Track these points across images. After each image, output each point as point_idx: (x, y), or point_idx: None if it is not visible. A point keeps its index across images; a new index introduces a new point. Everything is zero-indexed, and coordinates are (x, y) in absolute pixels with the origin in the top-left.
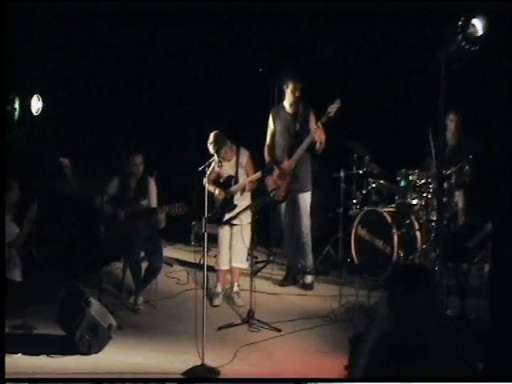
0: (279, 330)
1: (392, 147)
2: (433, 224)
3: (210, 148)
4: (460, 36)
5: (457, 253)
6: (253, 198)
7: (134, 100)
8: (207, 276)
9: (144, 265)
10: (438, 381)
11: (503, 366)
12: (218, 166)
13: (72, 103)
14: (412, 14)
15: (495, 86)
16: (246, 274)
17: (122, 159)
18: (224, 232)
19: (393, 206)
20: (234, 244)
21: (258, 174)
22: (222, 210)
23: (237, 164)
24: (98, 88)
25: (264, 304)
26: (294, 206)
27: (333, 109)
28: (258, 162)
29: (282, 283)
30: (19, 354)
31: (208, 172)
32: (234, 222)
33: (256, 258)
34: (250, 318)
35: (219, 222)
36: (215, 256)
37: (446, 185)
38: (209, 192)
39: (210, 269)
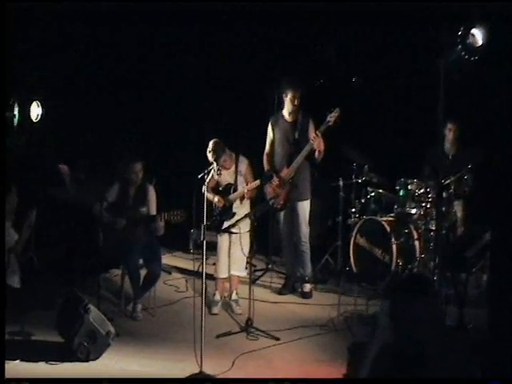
0: (278, 339)
1: (391, 156)
2: (432, 233)
3: (209, 156)
4: (459, 46)
5: (455, 262)
6: (252, 206)
7: (133, 107)
8: (206, 284)
9: (143, 272)
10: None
11: (501, 376)
12: (217, 174)
13: (71, 110)
14: (411, 25)
15: (494, 95)
16: (245, 282)
17: (121, 166)
18: (223, 240)
19: (392, 215)
20: (233, 252)
21: (257, 181)
22: (220, 217)
23: (236, 172)
24: (97, 95)
25: (262, 312)
26: (293, 214)
27: (332, 118)
28: (257, 170)
29: (280, 291)
30: (17, 361)
31: (207, 180)
32: (233, 230)
33: (255, 266)
34: (248, 326)
35: (218, 229)
36: (214, 264)
37: (444, 194)
38: (208, 200)
39: (209, 277)
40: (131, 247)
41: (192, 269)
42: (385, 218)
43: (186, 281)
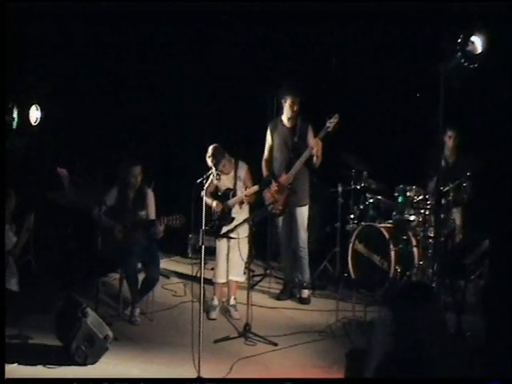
0: (275, 344)
1: (390, 163)
2: (430, 240)
3: (209, 161)
4: (459, 53)
5: (454, 269)
6: (251, 211)
7: (132, 111)
8: (204, 289)
9: (141, 276)
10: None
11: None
12: (217, 179)
13: (70, 113)
14: (411, 32)
15: (494, 103)
16: (243, 287)
17: (120, 170)
18: (221, 245)
19: (390, 221)
20: (232, 257)
21: (256, 187)
22: (219, 222)
23: (235, 177)
24: (96, 98)
25: (261, 318)
26: (292, 219)
27: (331, 123)
28: (256, 176)
29: (278, 297)
30: (15, 364)
31: (206, 185)
32: (232, 235)
33: (253, 271)
34: (246, 332)
35: (217, 234)
36: (212, 269)
37: (443, 201)
38: (207, 205)
39: (207, 281)
40: (130, 251)
41: (190, 273)
42: (383, 225)
43: (185, 285)
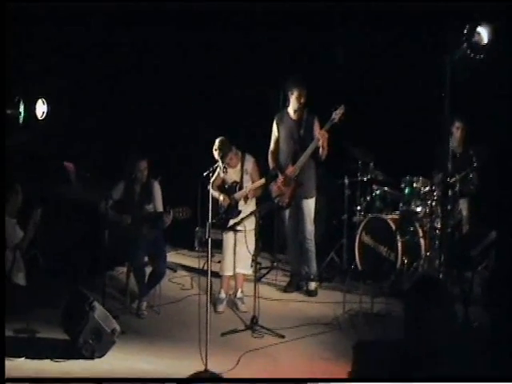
0: (283, 337)
1: (397, 154)
2: (437, 231)
3: (216, 154)
4: (465, 44)
5: (461, 261)
6: (257, 204)
7: (139, 105)
8: (211, 282)
9: (148, 270)
10: (440, 381)
11: (505, 373)
12: (223, 172)
13: (77, 107)
14: (417, 23)
15: (501, 93)
16: (250, 279)
17: (127, 164)
18: (228, 238)
19: (397, 213)
20: (238, 250)
21: (262, 180)
22: (226, 215)
23: (242, 170)
24: (103, 92)
25: (268, 310)
26: (298, 212)
27: (337, 115)
28: (263, 169)
29: (285, 289)
30: (23, 358)
31: (213, 178)
32: (238, 227)
33: (260, 264)
34: (253, 324)
35: (223, 227)
36: (219, 262)
37: (450, 192)
38: (213, 198)
39: (214, 274)
40: (136, 245)
41: (197, 266)
42: (390, 216)
43: (192, 278)
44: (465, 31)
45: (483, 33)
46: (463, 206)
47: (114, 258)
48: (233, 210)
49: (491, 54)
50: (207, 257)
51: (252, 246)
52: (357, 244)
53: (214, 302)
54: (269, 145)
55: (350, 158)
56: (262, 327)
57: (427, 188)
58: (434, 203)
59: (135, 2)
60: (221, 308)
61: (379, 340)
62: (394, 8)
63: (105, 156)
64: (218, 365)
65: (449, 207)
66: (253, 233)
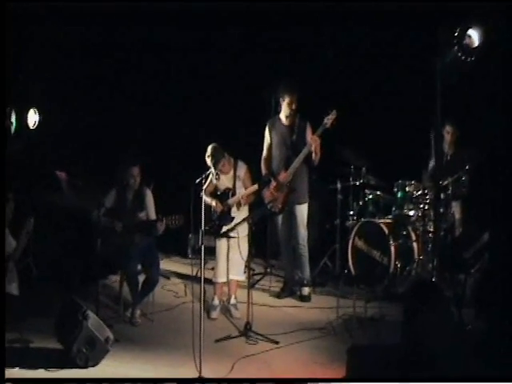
0: (277, 342)
1: (389, 158)
2: (430, 235)
3: (208, 161)
4: (456, 47)
5: (454, 263)
6: (250, 210)
7: (131, 112)
8: (204, 288)
9: (141, 278)
10: (439, 381)
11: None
12: (216, 179)
13: (68, 116)
14: (408, 26)
15: (492, 96)
16: (244, 286)
17: (119, 170)
18: (221, 244)
19: (390, 217)
20: (232, 256)
21: (255, 186)
22: (219, 222)
23: (234, 176)
24: (94, 100)
25: (261, 316)
26: (291, 217)
27: (329, 120)
28: (255, 175)
29: (279, 295)
30: (16, 368)
31: (205, 184)
32: (232, 234)
33: (253, 270)
34: (247, 331)
35: (216, 234)
36: (212, 268)
37: (442, 196)
38: (206, 204)
39: (208, 281)
40: (129, 253)
41: (190, 274)
42: (383, 220)
43: (185, 286)
44: (456, 34)
45: (474, 35)
46: (456, 208)
47: (106, 266)
48: (226, 216)
49: (482, 56)
50: (200, 264)
51: (245, 252)
52: (350, 248)
53: (208, 308)
54: (261, 151)
55: (342, 163)
56: (256, 333)
57: (419, 192)
58: (426, 207)
59: (125, 5)
60: (214, 315)
61: (373, 344)
62: (384, 11)
63: (96, 164)
64: (213, 371)
65: (441, 210)
66: (246, 239)
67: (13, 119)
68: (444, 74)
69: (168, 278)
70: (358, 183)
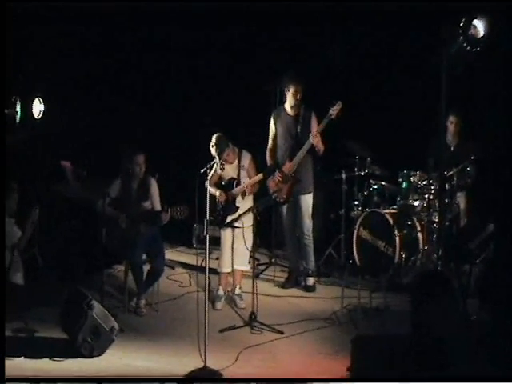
0: (281, 333)
1: (393, 149)
2: (435, 225)
3: (212, 150)
4: (461, 37)
5: (459, 254)
6: (255, 200)
7: (136, 102)
8: (209, 278)
9: (146, 267)
10: (440, 380)
11: (504, 367)
12: (220, 169)
13: (74, 105)
14: (413, 16)
15: (497, 87)
16: (248, 276)
17: (124, 159)
18: (226, 234)
19: (394, 207)
20: (236, 246)
21: (260, 175)
22: (224, 212)
23: (239, 166)
24: (99, 90)
25: (266, 306)
26: (296, 207)
27: (334, 111)
28: (260, 165)
29: (283, 285)
30: (21, 358)
31: (210, 174)
32: (236, 224)
33: (258, 260)
34: (252, 321)
35: (221, 224)
36: (217, 258)
37: (447, 186)
38: (211, 194)
39: (212, 271)
40: (134, 242)
41: (195, 264)
42: (388, 211)
43: (190, 276)
44: (461, 24)
45: (479, 26)
46: (461, 199)
47: (111, 256)
48: (230, 206)
49: (487, 46)
50: (205, 254)
51: (250, 243)
52: (355, 239)
53: (213, 298)
54: (265, 141)
55: (347, 153)
56: (261, 323)
57: (424, 182)
58: (431, 197)
59: (130, 2)
60: (219, 305)
61: (378, 334)
62: (389, 3)
63: (102, 154)
64: (217, 361)
65: (446, 201)
66: (251, 229)
67: (18, 109)
68: (449, 64)
69: (173, 268)
70: (362, 173)
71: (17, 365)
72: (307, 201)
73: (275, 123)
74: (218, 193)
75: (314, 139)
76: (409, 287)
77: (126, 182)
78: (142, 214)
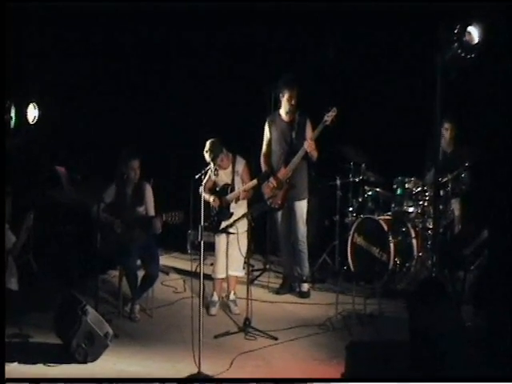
0: (276, 339)
1: (388, 155)
2: (429, 232)
3: (206, 156)
4: (456, 44)
5: (453, 260)
6: (249, 206)
7: (130, 108)
8: (203, 284)
9: (140, 273)
10: (438, 381)
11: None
12: (214, 174)
13: (68, 111)
14: (408, 22)
15: (491, 93)
16: (243, 282)
17: (119, 163)
18: (220, 240)
19: (389, 213)
20: (231, 252)
21: (254, 181)
22: (218, 218)
23: (233, 172)
24: (94, 96)
25: (260, 312)
26: (291, 213)
27: (329, 117)
28: (254, 170)
29: (278, 291)
30: (15, 363)
31: (204, 180)
32: (231, 230)
33: (252, 266)
34: (246, 327)
35: (215, 230)
36: (212, 264)
37: (442, 192)
38: (205, 200)
39: (207, 277)
40: (129, 248)
41: (190, 269)
42: (382, 217)
43: (184, 281)
44: (456, 31)
45: (474, 32)
46: (455, 205)
47: (106, 261)
48: (224, 212)
49: (482, 53)
50: (200, 259)
51: (244, 248)
52: (349, 245)
53: (207, 304)
54: (259, 146)
55: (341, 159)
56: (255, 329)
57: (419, 188)
58: (425, 203)
59: (122, 4)
60: (213, 311)
61: (372, 341)
62: (384, 8)
63: (96, 159)
64: (212, 367)
65: (441, 207)
66: (245, 235)
67: (12, 114)
68: (444, 70)
69: (167, 274)
70: (357, 180)
71: (10, 370)
72: (302, 207)
73: (270, 129)
74: (212, 199)
75: (309, 148)
76: (403, 294)
77: (120, 187)
78: (136, 219)
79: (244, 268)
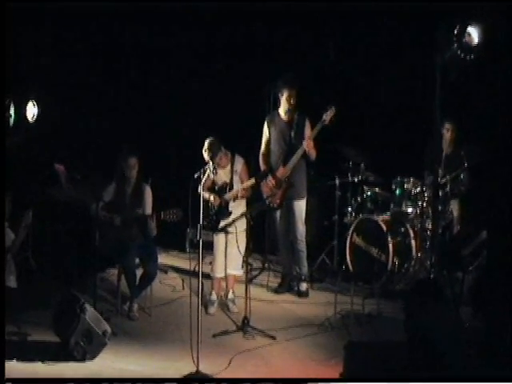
0: (274, 338)
1: (387, 155)
2: (428, 232)
3: (205, 155)
4: (455, 45)
5: (452, 261)
6: (248, 205)
7: (129, 106)
8: (202, 283)
9: (139, 271)
10: (437, 381)
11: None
12: (213, 173)
13: (67, 109)
14: (407, 23)
15: (491, 94)
16: (241, 281)
17: (117, 162)
18: (219, 239)
19: (388, 214)
20: (229, 251)
21: (252, 180)
22: (216, 217)
23: (232, 171)
24: (93, 94)
25: (259, 311)
26: (289, 213)
27: (327, 116)
28: (252, 169)
29: (276, 290)
30: (14, 361)
31: (203, 179)
32: (229, 229)
33: (251, 265)
34: (244, 326)
35: (214, 229)
36: (210, 263)
37: (441, 193)
38: (204, 199)
39: (205, 276)
40: (127, 246)
41: (188, 268)
42: (381, 217)
43: (183, 280)
44: (455, 32)
45: (474, 33)
46: (454, 206)
47: (104, 259)
48: (223, 211)
49: (482, 54)
50: (198, 258)
51: (243, 247)
52: (348, 245)
53: (206, 303)
54: (258, 146)
55: (340, 159)
56: (254, 328)
57: (418, 189)
58: (424, 204)
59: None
60: (212, 310)
61: (371, 341)
62: (384, 8)
63: (95, 157)
64: (210, 366)
65: (440, 208)
66: (244, 234)
67: (11, 112)
68: (443, 71)
69: (166, 272)
70: (356, 180)
71: (9, 368)
72: (301, 206)
73: (269, 128)
74: (211, 197)
75: (307, 147)
76: (402, 294)
77: (120, 186)
78: (135, 218)
79: (243, 267)
